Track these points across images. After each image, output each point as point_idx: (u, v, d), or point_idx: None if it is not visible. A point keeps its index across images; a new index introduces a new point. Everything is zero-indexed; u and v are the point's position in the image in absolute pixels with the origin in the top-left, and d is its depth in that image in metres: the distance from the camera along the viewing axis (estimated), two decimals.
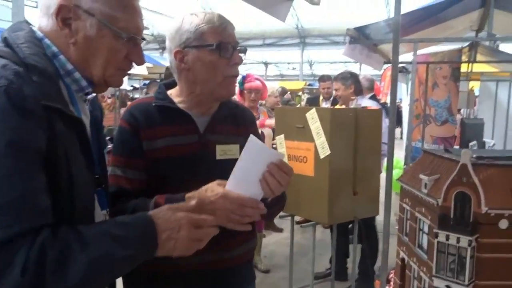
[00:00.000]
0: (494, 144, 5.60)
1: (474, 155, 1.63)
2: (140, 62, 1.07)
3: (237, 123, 1.47)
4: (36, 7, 10.71)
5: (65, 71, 0.98)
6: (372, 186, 3.16)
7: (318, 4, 2.50)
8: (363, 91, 4.31)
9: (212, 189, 1.16)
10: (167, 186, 1.30)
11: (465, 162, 1.51)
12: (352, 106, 3.96)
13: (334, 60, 22.13)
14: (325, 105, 5.71)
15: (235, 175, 1.13)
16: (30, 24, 0.99)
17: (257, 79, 4.20)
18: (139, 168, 1.36)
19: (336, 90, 4.17)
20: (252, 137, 1.11)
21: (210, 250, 1.33)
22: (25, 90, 0.82)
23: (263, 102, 5.29)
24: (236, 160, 1.24)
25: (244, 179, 1.12)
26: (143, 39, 1.08)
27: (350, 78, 4.09)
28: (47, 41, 0.97)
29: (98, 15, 0.96)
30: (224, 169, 1.22)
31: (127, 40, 1.01)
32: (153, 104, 1.39)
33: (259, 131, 4.15)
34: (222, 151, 1.38)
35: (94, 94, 1.11)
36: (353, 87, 4.10)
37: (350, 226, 3.96)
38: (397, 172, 4.97)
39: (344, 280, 4.02)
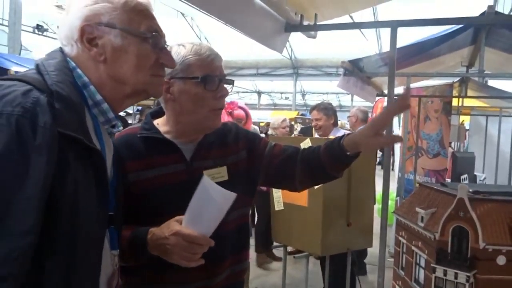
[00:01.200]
0: (485, 178, 5.65)
1: (471, 190, 1.64)
2: (172, 64, 1.08)
3: (225, 143, 1.46)
4: (33, 32, 10.82)
5: (93, 101, 0.98)
6: (366, 217, 3.14)
7: (314, 37, 2.55)
8: (358, 122, 4.36)
9: (169, 225, 1.19)
10: (158, 217, 1.28)
11: (463, 196, 1.52)
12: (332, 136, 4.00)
13: (326, 91, 22.45)
14: (317, 135, 5.76)
15: (189, 212, 1.15)
16: (65, 54, 0.99)
17: (240, 107, 4.14)
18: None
19: (317, 120, 4.18)
20: (204, 178, 1.13)
21: (198, 278, 1.32)
22: (39, 120, 0.81)
23: (272, 132, 5.29)
24: (225, 182, 1.32)
25: (197, 217, 1.14)
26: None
27: (331, 109, 4.17)
28: (79, 71, 0.97)
29: (119, 24, 0.98)
30: None
31: (153, 43, 1.01)
32: (138, 136, 1.37)
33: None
34: (210, 175, 1.36)
35: (120, 128, 1.10)
36: (333, 118, 4.16)
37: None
38: (389, 204, 4.97)
39: None
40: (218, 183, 1.27)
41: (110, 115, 1.01)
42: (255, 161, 1.48)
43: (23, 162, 0.78)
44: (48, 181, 0.81)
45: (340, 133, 4.12)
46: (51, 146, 0.81)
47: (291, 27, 2.34)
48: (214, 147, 1.43)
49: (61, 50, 1.00)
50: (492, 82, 6.72)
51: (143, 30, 1.00)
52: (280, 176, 1.48)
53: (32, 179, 0.78)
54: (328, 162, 1.37)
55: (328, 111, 4.15)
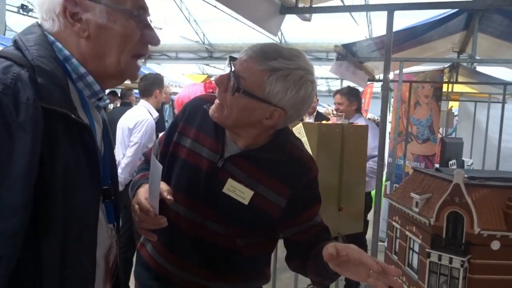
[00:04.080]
0: (472, 163, 5.71)
1: (466, 175, 1.64)
2: (156, 41, 1.03)
3: (277, 173, 1.28)
4: (18, 12, 10.53)
5: (77, 75, 0.95)
6: (357, 202, 3.15)
7: (309, 20, 2.51)
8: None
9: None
10: (169, 183, 1.29)
11: (458, 182, 1.52)
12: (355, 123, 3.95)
13: (316, 76, 22.35)
14: (308, 120, 5.73)
15: (148, 184, 1.18)
16: (42, 28, 0.95)
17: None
18: (162, 152, 1.40)
19: (339, 104, 4.14)
20: (153, 156, 1.14)
21: (193, 270, 1.30)
22: (21, 95, 0.78)
23: None
24: (241, 204, 1.24)
25: (150, 190, 1.15)
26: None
27: (354, 95, 4.11)
28: (58, 44, 0.93)
29: (104, 0, 0.93)
30: (224, 203, 1.23)
31: (138, 20, 0.97)
32: (204, 106, 1.32)
33: None
34: (232, 188, 1.26)
35: (107, 101, 1.06)
36: (356, 103, 4.11)
37: None
38: None
39: None
40: (234, 199, 1.25)
41: (96, 87, 0.97)
42: (283, 218, 1.29)
43: (8, 141, 0.76)
44: (36, 157, 0.79)
45: (361, 120, 4.03)
46: (36, 122, 0.79)
47: (286, 9, 2.30)
48: (259, 165, 1.28)
49: (38, 24, 0.96)
50: (481, 68, 6.74)
51: (129, 6, 0.96)
52: (288, 245, 1.38)
53: (18, 156, 0.77)
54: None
55: (351, 96, 4.10)
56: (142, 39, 1.00)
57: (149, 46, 1.04)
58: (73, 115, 0.86)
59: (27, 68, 0.82)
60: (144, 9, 0.99)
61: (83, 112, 0.94)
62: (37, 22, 0.97)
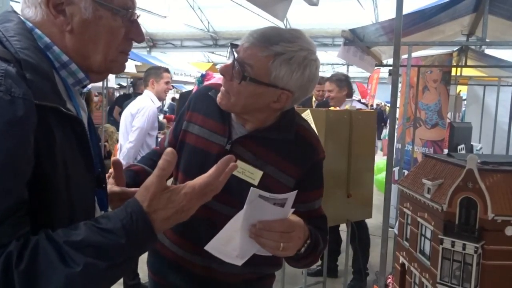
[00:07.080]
0: (481, 148, 5.65)
1: (479, 160, 1.61)
2: (141, 38, 1.00)
3: (286, 153, 1.29)
4: None
5: (60, 63, 0.91)
6: (365, 189, 3.14)
7: (316, 5, 2.47)
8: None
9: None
10: (178, 171, 1.34)
11: (472, 167, 1.49)
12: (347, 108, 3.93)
13: (322, 62, 22.18)
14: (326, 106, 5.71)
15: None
16: (18, 14, 0.91)
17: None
18: (170, 141, 1.44)
19: (329, 91, 4.20)
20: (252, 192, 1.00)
21: (207, 254, 1.30)
22: (15, 91, 0.75)
23: None
24: (252, 185, 1.21)
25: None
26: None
27: (344, 81, 4.16)
28: (37, 31, 0.89)
29: None
30: (235, 185, 1.19)
31: (125, 17, 0.94)
32: (209, 93, 1.36)
33: None
34: (241, 169, 1.26)
35: (89, 87, 1.04)
36: (346, 89, 4.15)
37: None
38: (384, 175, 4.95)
39: (335, 277, 4.08)
40: (244, 181, 1.24)
41: (80, 75, 0.94)
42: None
43: (7, 137, 0.73)
44: (31, 149, 0.76)
45: (353, 104, 4.03)
46: (32, 118, 0.76)
47: None
48: (268, 146, 1.28)
49: (13, 11, 0.92)
50: (490, 51, 6.63)
51: (116, 5, 0.92)
52: None
53: (17, 151, 0.74)
54: None
55: (341, 82, 4.16)
56: (127, 35, 0.97)
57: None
58: (64, 109, 0.84)
59: (13, 62, 0.79)
60: (131, 8, 0.96)
61: (69, 102, 0.92)
62: (11, 7, 0.93)
